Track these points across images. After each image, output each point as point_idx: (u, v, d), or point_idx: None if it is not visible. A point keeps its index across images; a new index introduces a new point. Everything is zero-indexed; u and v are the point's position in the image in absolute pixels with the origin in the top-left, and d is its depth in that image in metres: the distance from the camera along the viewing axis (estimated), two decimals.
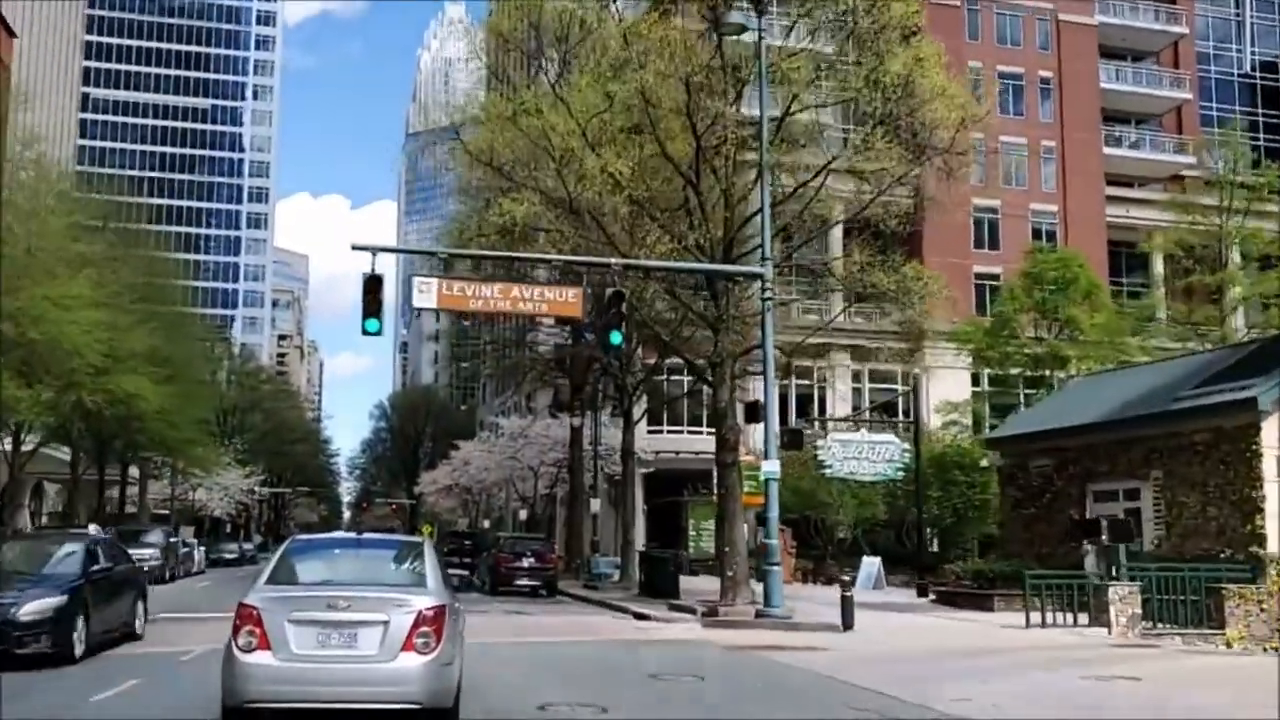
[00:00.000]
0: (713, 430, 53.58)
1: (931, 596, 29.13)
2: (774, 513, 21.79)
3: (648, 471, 46.37)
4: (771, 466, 21.95)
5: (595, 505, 35.51)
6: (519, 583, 29.98)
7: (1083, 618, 20.11)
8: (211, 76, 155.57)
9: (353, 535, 11.29)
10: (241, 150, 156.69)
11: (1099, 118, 55.94)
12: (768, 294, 21.93)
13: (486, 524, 64.80)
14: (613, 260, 21.78)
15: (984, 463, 35.94)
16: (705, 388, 48.77)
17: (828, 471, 34.25)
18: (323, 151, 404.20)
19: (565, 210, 24.37)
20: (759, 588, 23.70)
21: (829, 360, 51.45)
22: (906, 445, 34.25)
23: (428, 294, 20.61)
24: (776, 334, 22.34)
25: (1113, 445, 24.90)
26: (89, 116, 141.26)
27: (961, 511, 35.13)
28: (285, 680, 8.30)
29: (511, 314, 27.13)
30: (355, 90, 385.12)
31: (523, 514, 51.08)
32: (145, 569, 33.37)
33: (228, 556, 59.47)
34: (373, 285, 20.25)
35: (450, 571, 42.81)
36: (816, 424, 43.55)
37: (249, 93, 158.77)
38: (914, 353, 52.36)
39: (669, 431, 47.75)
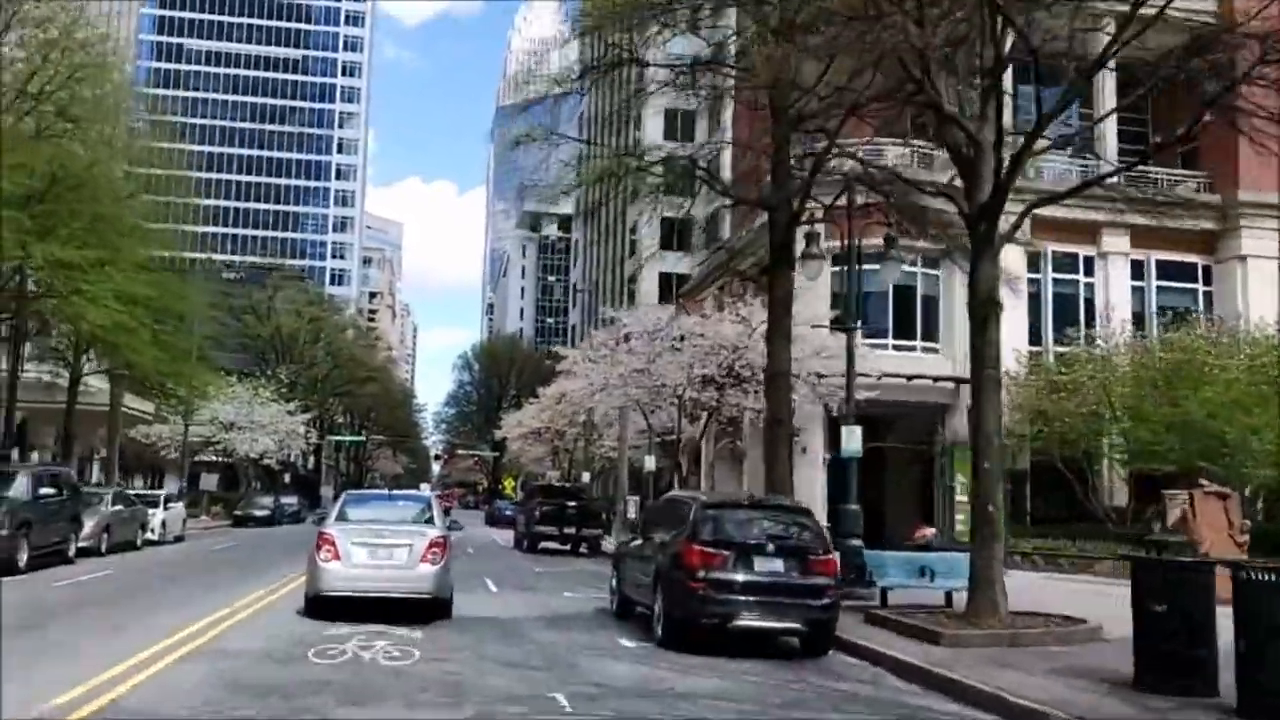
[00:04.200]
0: (930, 344, 33.75)
1: None
2: None
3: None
4: None
5: (852, 439, 14.79)
6: (745, 622, 10.41)
7: None
8: (299, 26, 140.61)
9: (385, 492, 18.19)
10: (331, 102, 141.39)
11: None
12: None
13: (585, 477, 46.10)
14: None
15: None
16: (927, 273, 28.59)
17: None
18: (439, 141, 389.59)
19: None
20: None
21: (1099, 245, 31.83)
22: None
23: None
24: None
25: None
26: (162, 65, 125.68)
27: None
28: (349, 579, 12.23)
29: None
30: (469, 81, 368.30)
31: (649, 463, 31.43)
32: None
33: (257, 514, 42.09)
34: None
35: (542, 545, 24.50)
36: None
37: (339, 43, 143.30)
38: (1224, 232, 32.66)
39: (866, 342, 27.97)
